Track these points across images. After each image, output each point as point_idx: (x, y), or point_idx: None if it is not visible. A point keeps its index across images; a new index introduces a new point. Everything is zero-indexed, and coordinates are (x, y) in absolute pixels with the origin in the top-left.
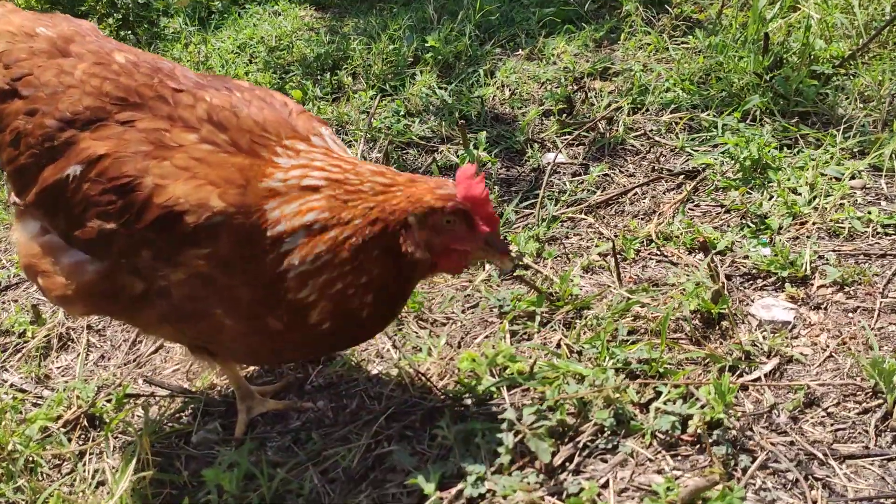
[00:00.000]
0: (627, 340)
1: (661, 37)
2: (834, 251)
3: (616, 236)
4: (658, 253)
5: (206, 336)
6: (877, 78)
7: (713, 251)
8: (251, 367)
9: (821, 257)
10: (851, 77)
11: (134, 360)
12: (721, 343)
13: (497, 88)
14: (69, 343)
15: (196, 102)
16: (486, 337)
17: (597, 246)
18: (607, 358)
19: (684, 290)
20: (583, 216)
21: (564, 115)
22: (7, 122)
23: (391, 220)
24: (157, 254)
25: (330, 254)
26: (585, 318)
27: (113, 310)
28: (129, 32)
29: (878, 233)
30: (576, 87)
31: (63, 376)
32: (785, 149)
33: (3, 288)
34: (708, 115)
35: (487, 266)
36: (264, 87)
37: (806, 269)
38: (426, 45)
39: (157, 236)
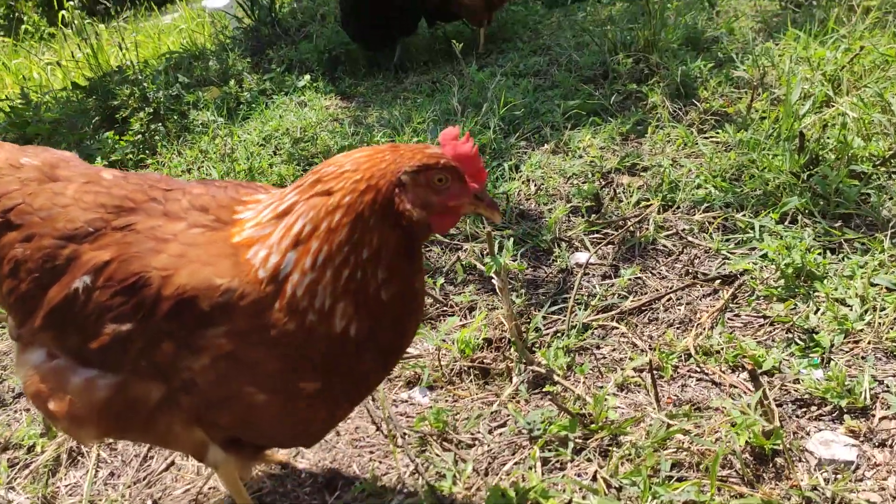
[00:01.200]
0: (671, 476)
1: (689, 130)
2: (895, 376)
3: (652, 349)
4: (698, 370)
5: (241, 421)
6: None
7: (759, 371)
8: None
9: (880, 382)
10: (893, 176)
11: (144, 479)
12: (776, 485)
13: (522, 183)
14: (79, 458)
15: (182, 196)
16: (516, 464)
17: (631, 359)
18: (650, 498)
19: (733, 421)
20: (615, 324)
21: (593, 214)
22: (3, 255)
23: (382, 184)
24: (179, 343)
25: (326, 244)
26: (623, 445)
27: (128, 425)
28: (160, 124)
29: None
30: (603, 183)
31: (70, 496)
32: (828, 254)
33: (15, 396)
34: (743, 215)
35: (514, 379)
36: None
37: (865, 398)
38: None
39: (174, 326)
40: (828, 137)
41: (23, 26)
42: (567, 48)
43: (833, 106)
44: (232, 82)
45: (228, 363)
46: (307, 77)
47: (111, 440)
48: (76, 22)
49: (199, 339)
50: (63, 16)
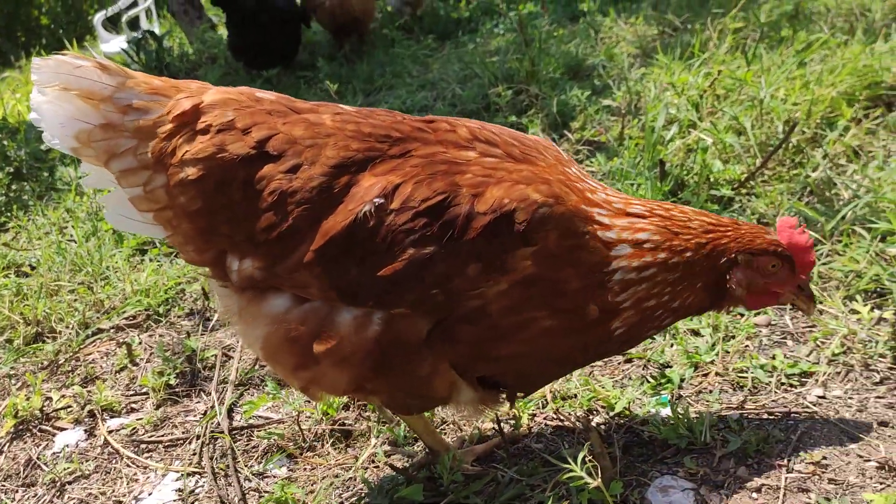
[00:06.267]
0: None
1: None
2: (738, 409)
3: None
4: (555, 417)
5: (517, 353)
6: (775, 199)
7: (612, 412)
8: None
9: (722, 419)
10: (753, 197)
11: None
12: None
13: None
14: None
15: (454, 128)
16: None
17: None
18: None
19: (572, 476)
20: None
21: None
22: (262, 188)
23: (722, 257)
24: (486, 265)
25: (659, 271)
26: None
27: (392, 365)
28: (24, 183)
29: (782, 384)
30: None
31: None
32: None
33: None
34: None
35: (373, 441)
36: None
37: (706, 437)
38: None
39: (485, 245)
40: (692, 163)
41: None
42: (452, 82)
43: (697, 128)
44: None
45: (526, 286)
46: None
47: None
48: None
49: (508, 259)
50: None
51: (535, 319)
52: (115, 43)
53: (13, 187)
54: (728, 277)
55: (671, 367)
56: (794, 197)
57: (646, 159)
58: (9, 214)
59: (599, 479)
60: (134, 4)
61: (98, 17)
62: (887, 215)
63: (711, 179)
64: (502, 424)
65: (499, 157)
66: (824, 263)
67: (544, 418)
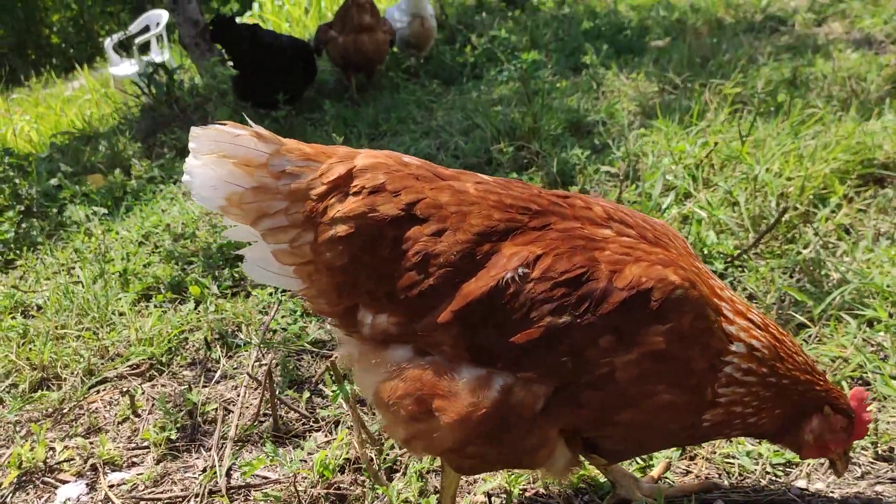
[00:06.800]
0: None
1: None
2: (728, 500)
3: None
4: (545, 492)
5: (637, 422)
6: (767, 274)
7: (600, 493)
8: None
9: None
10: (746, 270)
11: None
12: None
13: None
14: None
15: (589, 206)
16: None
17: (484, 480)
18: None
19: None
20: None
21: None
22: (407, 248)
23: (810, 403)
24: (618, 337)
25: (757, 382)
26: None
27: (502, 431)
28: (34, 220)
29: (767, 472)
30: None
31: None
32: None
33: None
34: None
35: None
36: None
37: None
38: None
39: (621, 319)
40: (687, 232)
41: None
42: (455, 132)
43: (693, 198)
44: (117, 171)
45: (656, 360)
46: None
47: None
48: None
49: (641, 334)
50: None
51: (659, 391)
52: (125, 67)
53: (23, 225)
54: (805, 420)
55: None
56: (786, 274)
57: None
58: (18, 252)
59: None
60: (146, 29)
61: (109, 41)
62: (874, 304)
63: (705, 251)
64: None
65: (634, 237)
66: (812, 348)
67: (527, 498)
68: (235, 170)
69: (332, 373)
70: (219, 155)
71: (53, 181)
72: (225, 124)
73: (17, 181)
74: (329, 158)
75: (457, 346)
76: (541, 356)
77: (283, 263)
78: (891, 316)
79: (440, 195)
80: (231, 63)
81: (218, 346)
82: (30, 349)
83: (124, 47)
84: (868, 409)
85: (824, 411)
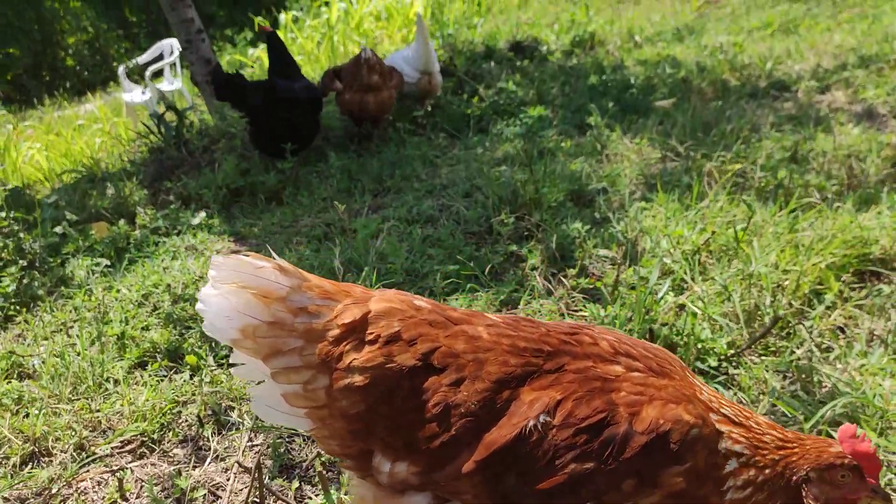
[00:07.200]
0: None
1: (558, 304)
2: None
3: None
4: None
5: None
6: (760, 375)
7: None
8: None
9: None
10: (740, 367)
11: None
12: None
13: None
14: None
15: (596, 341)
16: None
17: None
18: None
19: None
20: None
21: None
22: (427, 398)
23: (795, 474)
24: (641, 481)
25: (753, 491)
26: None
27: None
28: (36, 272)
29: None
30: None
31: None
32: None
33: None
34: None
35: None
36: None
37: None
38: None
39: (642, 463)
40: (682, 323)
41: None
42: (458, 195)
43: (689, 288)
44: (122, 222)
45: (675, 499)
46: (202, 215)
47: None
48: None
49: (661, 476)
50: None
51: None
52: (138, 93)
53: (24, 280)
54: (804, 493)
55: None
56: (779, 375)
57: (637, 318)
58: (17, 308)
59: None
60: (160, 57)
61: (123, 68)
62: (863, 418)
63: (700, 346)
64: None
65: (641, 370)
66: None
67: None
68: (253, 300)
69: (321, 458)
70: (238, 285)
71: (58, 229)
72: (248, 255)
73: (21, 235)
74: (346, 297)
75: (479, 495)
76: (564, 502)
77: (293, 406)
78: (880, 434)
79: (456, 343)
80: (246, 116)
81: (211, 423)
82: (23, 418)
83: (139, 72)
84: (864, 440)
85: (811, 476)
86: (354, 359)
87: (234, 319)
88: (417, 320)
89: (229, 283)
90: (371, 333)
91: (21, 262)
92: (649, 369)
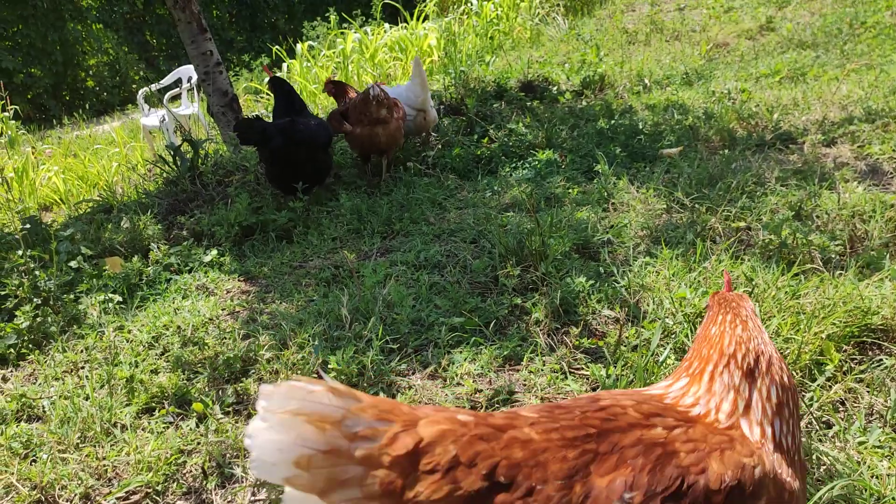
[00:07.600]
0: None
1: (560, 364)
2: None
3: None
4: None
5: None
6: None
7: None
8: None
9: None
10: None
11: None
12: None
13: None
14: None
15: (624, 409)
16: None
17: None
18: None
19: None
20: None
21: None
22: None
23: None
24: None
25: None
26: None
27: None
28: (49, 309)
29: None
30: None
31: None
32: None
33: None
34: None
35: None
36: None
37: None
38: (329, 364)
39: None
40: None
41: None
42: (465, 241)
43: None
44: (136, 258)
45: None
46: (214, 252)
47: None
48: (10, 133)
49: None
50: None
51: None
52: (155, 117)
53: (37, 320)
54: None
55: None
56: None
57: (639, 381)
58: (30, 346)
59: None
60: (178, 82)
61: (141, 92)
62: (860, 501)
63: None
64: None
65: (672, 426)
66: None
67: None
68: (309, 429)
69: None
70: (292, 413)
71: (73, 263)
72: (299, 379)
73: (37, 273)
74: (397, 419)
75: None
76: None
77: None
78: None
79: (512, 452)
80: (262, 157)
81: (215, 476)
82: (31, 464)
83: (157, 96)
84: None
85: None
86: (419, 492)
87: (286, 452)
88: (469, 437)
89: (282, 411)
90: (429, 463)
91: (35, 300)
92: (677, 420)
